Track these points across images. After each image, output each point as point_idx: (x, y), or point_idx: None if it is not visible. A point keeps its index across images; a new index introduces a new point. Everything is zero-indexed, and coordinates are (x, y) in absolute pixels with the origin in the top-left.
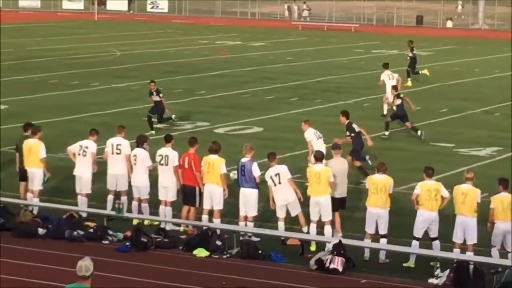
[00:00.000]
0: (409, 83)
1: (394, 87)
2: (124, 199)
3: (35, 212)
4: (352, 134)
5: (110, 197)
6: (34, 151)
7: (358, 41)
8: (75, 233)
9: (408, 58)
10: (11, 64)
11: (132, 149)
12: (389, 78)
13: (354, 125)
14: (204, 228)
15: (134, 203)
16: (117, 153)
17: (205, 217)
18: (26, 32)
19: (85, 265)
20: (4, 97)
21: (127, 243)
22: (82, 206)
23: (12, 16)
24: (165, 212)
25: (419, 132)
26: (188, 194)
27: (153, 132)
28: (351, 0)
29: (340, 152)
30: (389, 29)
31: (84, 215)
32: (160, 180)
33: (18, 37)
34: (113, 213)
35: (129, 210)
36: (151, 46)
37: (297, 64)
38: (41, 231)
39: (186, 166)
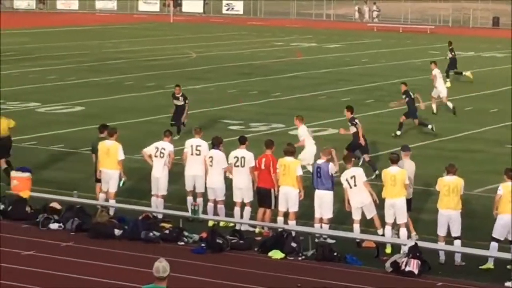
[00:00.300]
0: (448, 84)
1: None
2: (199, 200)
3: (111, 213)
4: (354, 130)
5: (189, 199)
6: (112, 153)
7: (433, 42)
8: (151, 234)
9: (448, 59)
10: (87, 66)
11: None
12: (439, 77)
13: (357, 121)
14: (279, 230)
15: (210, 205)
16: (197, 154)
17: (280, 219)
18: (102, 34)
19: (163, 266)
20: (81, 98)
21: (203, 245)
22: (159, 207)
23: (88, 18)
24: (240, 213)
25: (430, 126)
26: (264, 196)
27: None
28: (427, 2)
29: (409, 154)
30: (465, 30)
31: (160, 216)
32: (235, 182)
33: (94, 39)
34: (190, 214)
35: (205, 211)
36: (226, 48)
37: (372, 65)
38: (117, 232)
39: (263, 167)
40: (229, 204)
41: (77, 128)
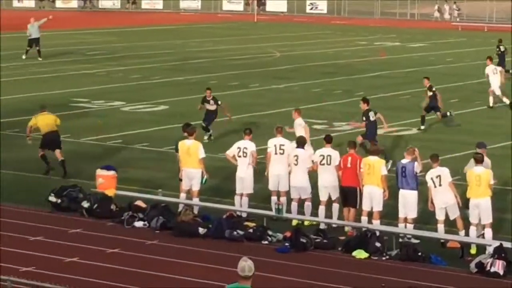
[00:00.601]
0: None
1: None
2: (283, 199)
3: (195, 211)
4: (367, 122)
5: (274, 198)
6: (193, 152)
7: None
8: (235, 233)
9: (497, 55)
10: (171, 65)
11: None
12: (493, 73)
13: (371, 113)
14: (364, 229)
15: (294, 204)
16: (281, 153)
17: (364, 218)
18: (186, 33)
19: (248, 265)
20: (165, 97)
21: (287, 244)
22: (243, 206)
23: (173, 17)
24: (325, 212)
25: (448, 113)
26: (349, 195)
27: (206, 138)
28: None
29: (485, 151)
30: None
31: (244, 215)
32: (321, 180)
33: (178, 39)
34: (274, 213)
35: (289, 210)
36: (310, 47)
37: (457, 65)
38: (201, 230)
39: (349, 165)
40: (313, 203)
41: (161, 127)
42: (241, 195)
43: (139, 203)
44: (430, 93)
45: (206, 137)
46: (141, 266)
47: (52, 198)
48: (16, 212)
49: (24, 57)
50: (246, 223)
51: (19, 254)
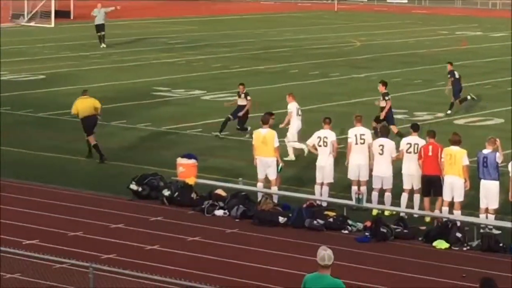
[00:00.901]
0: None
1: None
2: (363, 189)
3: (275, 200)
4: (384, 104)
5: (354, 188)
6: (269, 141)
7: None
8: (315, 222)
9: None
10: (251, 54)
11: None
12: None
13: (389, 96)
14: (444, 219)
15: (374, 194)
16: (361, 143)
17: (445, 209)
18: (267, 22)
19: (328, 254)
20: (246, 86)
21: (367, 233)
22: (324, 195)
23: (252, 6)
24: (407, 201)
25: (468, 97)
26: (432, 184)
27: (219, 134)
28: None
29: None
30: None
31: (324, 204)
32: (407, 168)
33: (259, 28)
34: (354, 203)
35: (369, 200)
36: (390, 36)
37: None
38: (281, 219)
39: (430, 154)
40: (393, 194)
41: None
42: (321, 184)
43: (220, 191)
44: (451, 78)
45: (218, 134)
46: (221, 254)
47: (133, 186)
48: (98, 199)
49: (103, 45)
50: (326, 212)
51: (100, 241)
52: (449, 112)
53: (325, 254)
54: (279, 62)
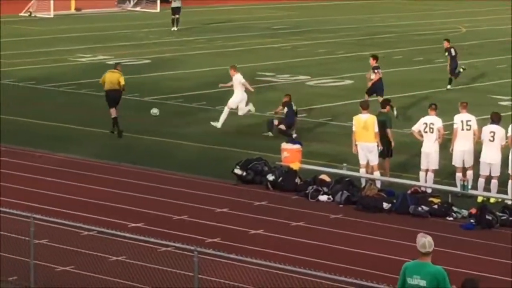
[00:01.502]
0: None
1: None
2: (469, 175)
3: (378, 186)
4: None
5: (459, 174)
6: (370, 126)
7: None
8: (420, 208)
9: None
10: (356, 40)
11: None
12: None
13: (379, 70)
14: None
15: (481, 180)
16: (467, 129)
17: None
18: (370, 8)
19: (428, 241)
20: (350, 72)
21: (472, 220)
22: (428, 181)
23: None
24: None
25: (461, 69)
26: None
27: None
28: None
29: None
30: None
31: (429, 190)
32: None
33: (362, 14)
34: (459, 190)
35: (474, 187)
36: (496, 22)
37: None
38: (385, 205)
39: None
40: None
41: (345, 101)
42: (426, 170)
43: (324, 177)
44: (448, 56)
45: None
46: (325, 240)
47: (237, 171)
48: (202, 184)
49: (174, 29)
50: (430, 198)
51: (205, 225)
52: (449, 87)
53: (425, 241)
54: (384, 47)
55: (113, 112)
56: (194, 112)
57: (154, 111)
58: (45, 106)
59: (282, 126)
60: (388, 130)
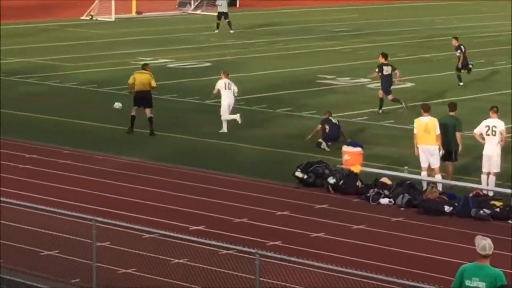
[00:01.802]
0: None
1: None
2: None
3: (439, 188)
4: (380, 73)
5: None
6: (431, 128)
7: None
8: (481, 211)
9: None
10: (417, 42)
11: None
12: None
13: (385, 67)
14: None
15: None
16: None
17: None
18: (432, 10)
19: (488, 243)
20: (411, 74)
21: None
22: (490, 184)
23: None
24: None
25: (470, 66)
26: None
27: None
28: None
29: None
30: None
31: (491, 194)
32: None
33: (424, 16)
34: None
35: None
36: None
37: None
38: (447, 208)
39: None
40: None
41: (407, 104)
42: (488, 173)
43: (385, 180)
44: (459, 53)
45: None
46: (386, 243)
47: (298, 174)
48: (263, 186)
49: (216, 31)
50: (492, 202)
51: (265, 228)
52: (461, 84)
53: (485, 243)
54: (446, 50)
55: (148, 111)
56: (257, 114)
57: (117, 106)
58: (107, 109)
59: (325, 146)
60: (458, 134)
